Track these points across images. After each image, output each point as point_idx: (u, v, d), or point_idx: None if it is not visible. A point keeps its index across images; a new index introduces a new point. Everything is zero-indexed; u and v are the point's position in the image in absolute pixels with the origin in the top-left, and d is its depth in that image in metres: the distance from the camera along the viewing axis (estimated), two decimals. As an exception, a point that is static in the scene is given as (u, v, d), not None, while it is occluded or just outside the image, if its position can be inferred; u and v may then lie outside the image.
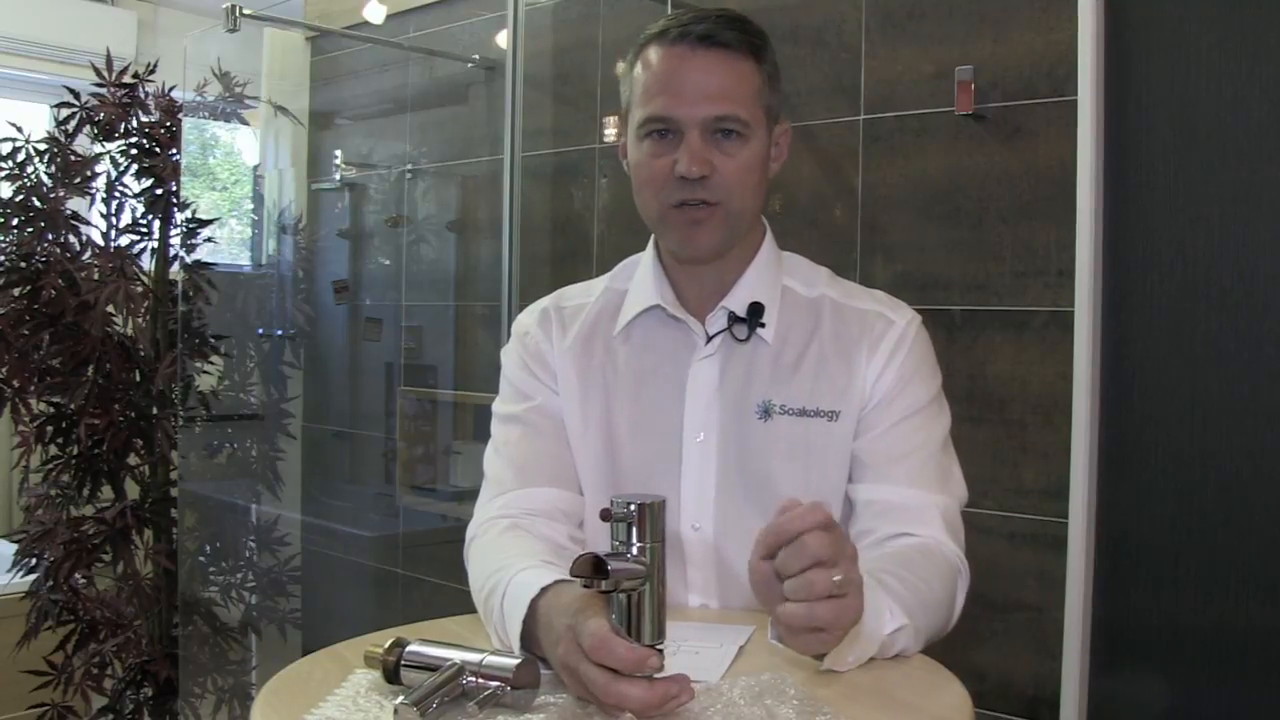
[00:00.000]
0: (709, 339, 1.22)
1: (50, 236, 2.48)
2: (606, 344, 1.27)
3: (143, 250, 2.60)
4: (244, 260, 3.04)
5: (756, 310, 1.21)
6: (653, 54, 1.18)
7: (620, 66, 1.26)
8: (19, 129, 2.51)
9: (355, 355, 3.11)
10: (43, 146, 2.51)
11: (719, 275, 1.24)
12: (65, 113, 2.52)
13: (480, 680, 0.88)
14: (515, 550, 1.10)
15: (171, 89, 2.64)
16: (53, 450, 2.52)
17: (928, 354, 1.25)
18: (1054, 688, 1.78)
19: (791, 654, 0.99)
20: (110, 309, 2.46)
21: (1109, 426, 1.77)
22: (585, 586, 0.85)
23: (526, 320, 1.33)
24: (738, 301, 1.22)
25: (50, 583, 2.47)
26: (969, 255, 1.91)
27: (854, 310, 1.24)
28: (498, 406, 1.31)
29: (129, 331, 2.57)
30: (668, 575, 0.91)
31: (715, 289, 1.24)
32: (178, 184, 2.56)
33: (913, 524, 1.15)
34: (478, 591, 1.11)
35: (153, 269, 2.62)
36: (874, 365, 1.20)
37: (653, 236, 1.29)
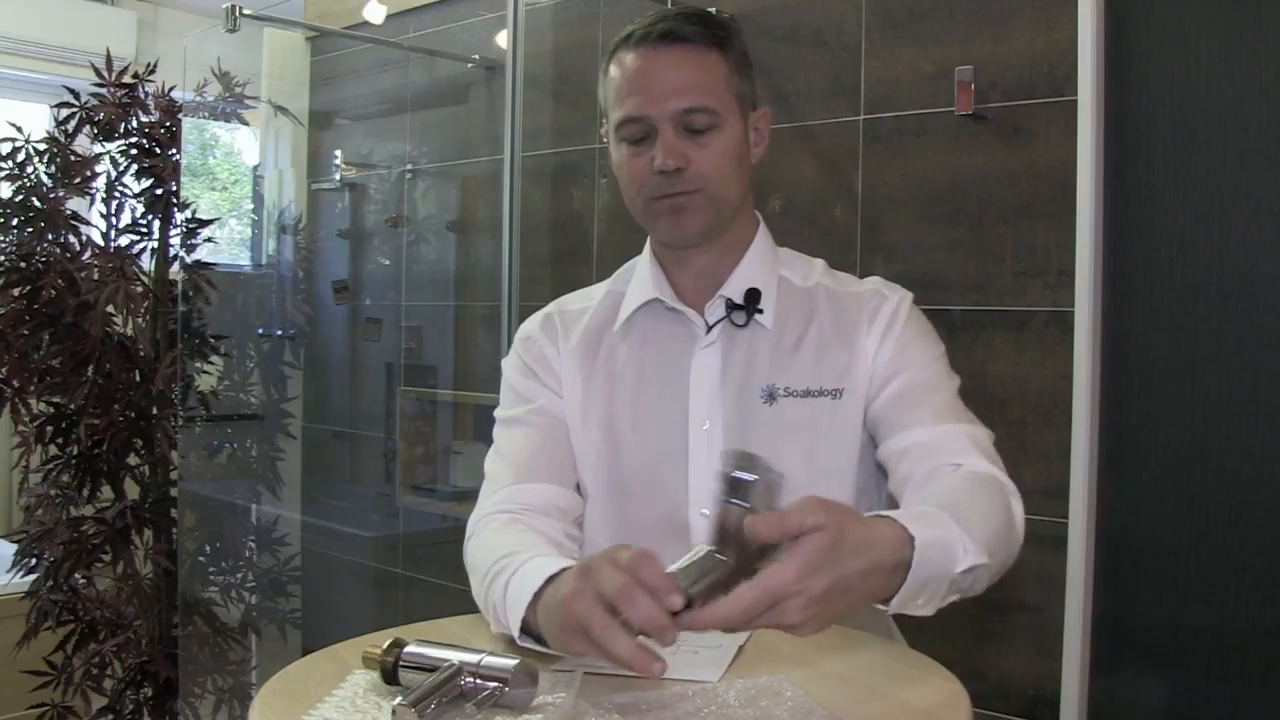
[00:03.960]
0: (709, 328, 1.24)
1: (50, 236, 2.48)
2: (609, 343, 1.29)
3: (143, 250, 2.59)
4: (244, 260, 3.04)
5: (754, 296, 1.23)
6: (621, 58, 1.21)
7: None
8: (19, 129, 2.51)
9: (355, 355, 3.11)
10: (43, 146, 2.51)
11: (714, 266, 1.26)
12: (65, 113, 2.52)
13: (478, 681, 0.88)
14: (521, 541, 1.11)
15: (171, 89, 2.64)
16: (53, 450, 2.52)
17: (925, 325, 1.26)
18: (1054, 688, 1.78)
19: (791, 653, 0.99)
20: (110, 309, 2.46)
21: (1109, 426, 1.77)
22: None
23: (529, 327, 1.35)
24: (735, 289, 1.24)
25: (50, 583, 2.47)
26: (969, 255, 1.91)
27: (849, 295, 1.26)
28: (499, 413, 1.32)
29: (129, 331, 2.57)
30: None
31: (711, 280, 1.26)
32: (178, 184, 2.56)
33: (949, 455, 1.13)
34: (481, 579, 1.11)
35: (153, 269, 2.62)
36: (873, 337, 1.22)
37: (650, 236, 1.30)
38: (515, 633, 0.98)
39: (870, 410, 1.20)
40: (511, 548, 1.08)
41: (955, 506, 0.99)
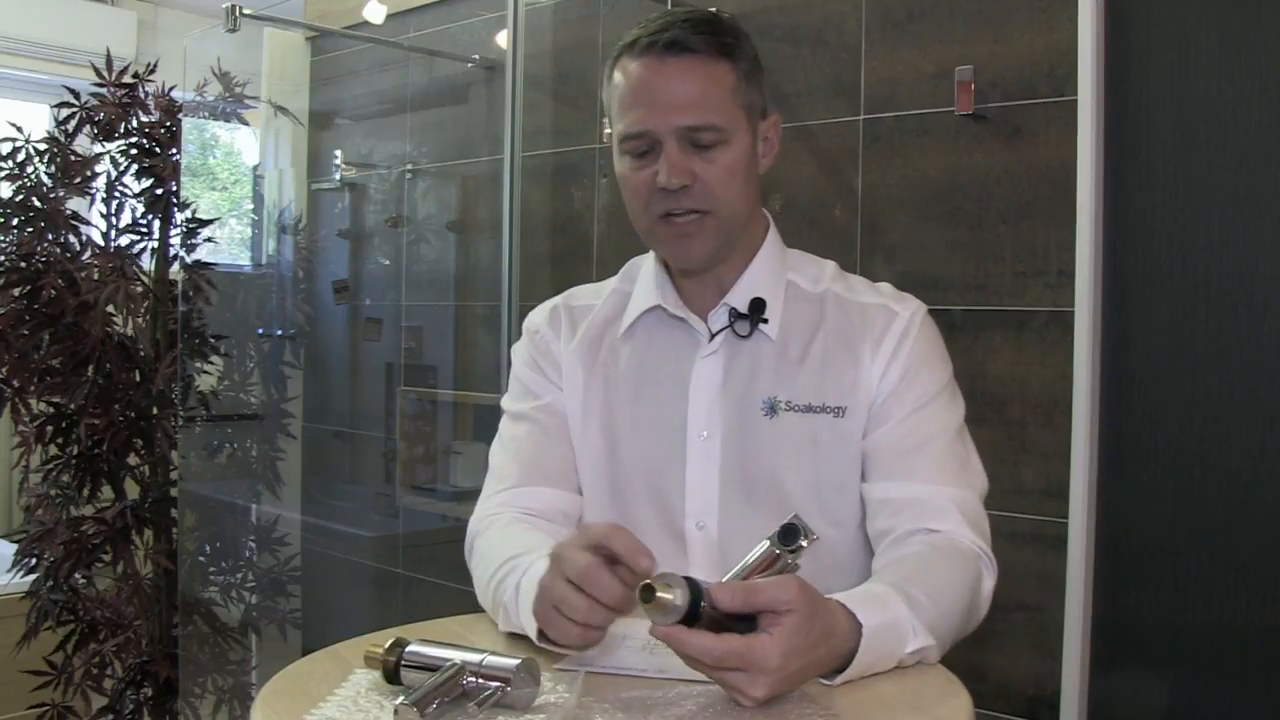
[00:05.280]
0: (711, 336, 1.22)
1: (50, 236, 2.48)
2: (611, 344, 1.28)
3: (143, 250, 2.59)
4: (244, 260, 3.04)
5: (758, 306, 1.21)
6: (625, 66, 1.17)
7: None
8: (19, 129, 2.51)
9: (355, 355, 3.11)
10: (43, 146, 2.51)
11: (721, 273, 1.23)
12: (65, 113, 2.52)
13: (480, 680, 0.88)
14: (529, 541, 1.11)
15: (171, 89, 2.64)
16: (53, 450, 2.52)
17: (935, 343, 1.23)
18: (1054, 688, 1.78)
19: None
20: (110, 309, 2.46)
21: (1109, 426, 1.77)
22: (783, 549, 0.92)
23: (536, 318, 1.33)
24: (739, 298, 1.22)
25: (50, 583, 2.47)
26: (969, 255, 1.91)
27: (857, 305, 1.23)
28: (506, 402, 1.32)
29: (129, 331, 2.57)
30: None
31: (717, 287, 1.23)
32: (178, 184, 2.56)
33: (930, 519, 1.13)
34: (487, 579, 1.11)
35: (153, 269, 2.62)
36: (879, 360, 1.19)
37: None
38: (534, 636, 0.99)
39: (865, 441, 1.18)
40: (520, 548, 1.08)
41: (912, 585, 1.02)
